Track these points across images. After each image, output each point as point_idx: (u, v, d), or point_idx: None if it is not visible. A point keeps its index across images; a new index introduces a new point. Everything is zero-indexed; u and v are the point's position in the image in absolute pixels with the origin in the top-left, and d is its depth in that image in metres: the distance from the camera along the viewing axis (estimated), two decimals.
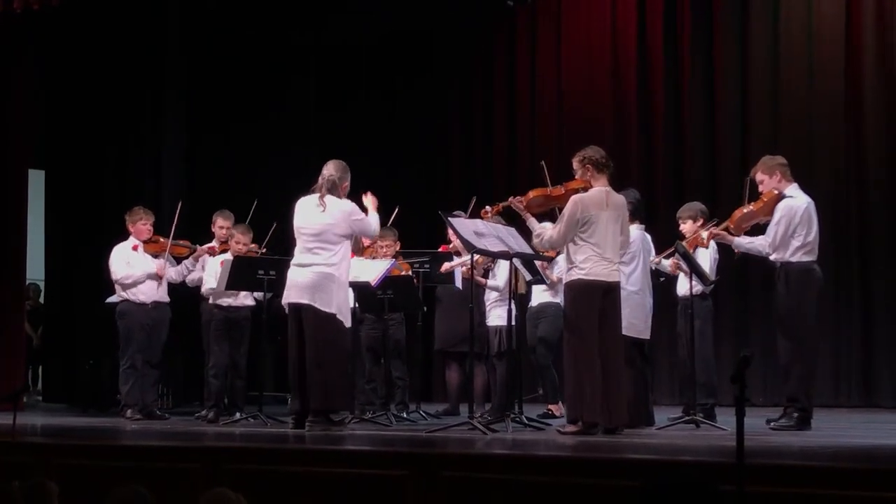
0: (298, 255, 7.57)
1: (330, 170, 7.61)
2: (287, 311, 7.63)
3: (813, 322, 7.56)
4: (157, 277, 9.04)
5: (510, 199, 7.54)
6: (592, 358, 6.96)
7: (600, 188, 7.18)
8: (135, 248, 9.09)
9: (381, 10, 11.95)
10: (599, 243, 7.04)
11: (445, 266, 8.95)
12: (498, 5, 12.19)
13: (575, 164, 7.30)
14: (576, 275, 7.07)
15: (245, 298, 8.93)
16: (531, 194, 7.49)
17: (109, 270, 9.10)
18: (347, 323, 7.59)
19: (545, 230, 7.30)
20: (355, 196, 7.80)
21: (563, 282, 7.38)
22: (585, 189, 7.20)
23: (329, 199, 7.52)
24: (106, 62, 11.60)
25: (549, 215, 7.89)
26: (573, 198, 7.13)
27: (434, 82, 12.67)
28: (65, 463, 6.19)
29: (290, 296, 7.55)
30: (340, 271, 7.51)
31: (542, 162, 8.00)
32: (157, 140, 11.73)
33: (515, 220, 7.73)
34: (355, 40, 12.68)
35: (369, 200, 7.85)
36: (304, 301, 7.45)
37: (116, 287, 9.15)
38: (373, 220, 7.74)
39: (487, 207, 7.74)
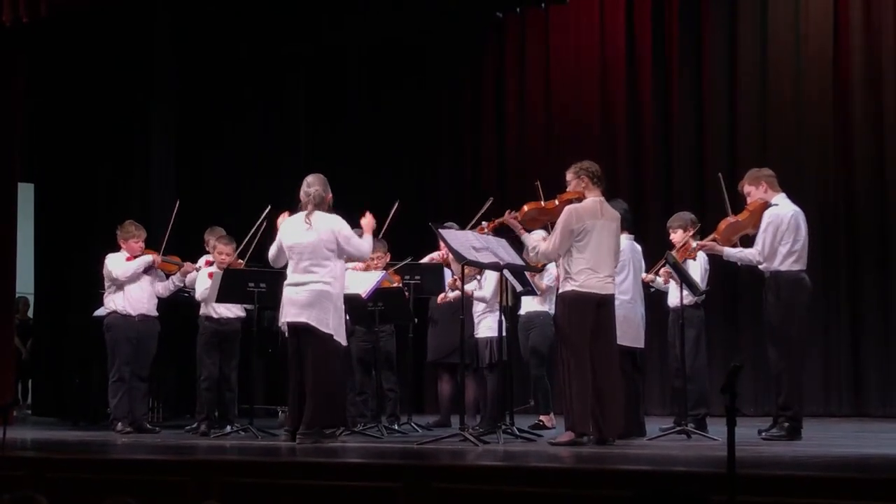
0: (292, 275, 7.52)
1: (314, 185, 7.54)
2: (286, 331, 7.60)
3: (802, 331, 7.57)
4: (152, 265, 9.04)
5: (506, 214, 7.52)
6: (585, 369, 6.96)
7: (594, 198, 7.19)
8: (128, 259, 9.09)
9: (371, 21, 11.95)
10: (594, 254, 7.04)
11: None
12: (487, 15, 12.23)
13: (569, 175, 7.29)
14: (569, 286, 7.07)
15: (236, 310, 8.92)
16: (525, 208, 7.47)
17: (105, 275, 9.07)
18: (343, 343, 7.59)
19: (539, 243, 7.31)
20: (351, 214, 7.80)
21: (557, 292, 7.38)
22: (579, 200, 7.20)
23: (316, 215, 7.47)
24: (95, 74, 11.58)
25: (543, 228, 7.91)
26: (567, 208, 7.12)
27: (424, 92, 12.69)
28: (55, 476, 6.17)
29: (288, 314, 7.51)
30: (336, 289, 7.49)
31: (537, 182, 7.98)
32: (146, 151, 11.71)
33: (508, 233, 7.72)
34: (345, 50, 12.70)
35: (367, 222, 7.81)
36: (303, 320, 7.44)
37: (106, 298, 9.14)
38: (366, 242, 7.68)
39: (484, 223, 7.73)
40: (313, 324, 7.39)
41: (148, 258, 9.05)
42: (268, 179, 11.90)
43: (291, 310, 7.49)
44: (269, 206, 8.71)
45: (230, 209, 10.66)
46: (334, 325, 7.45)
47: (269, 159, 12.33)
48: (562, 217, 7.10)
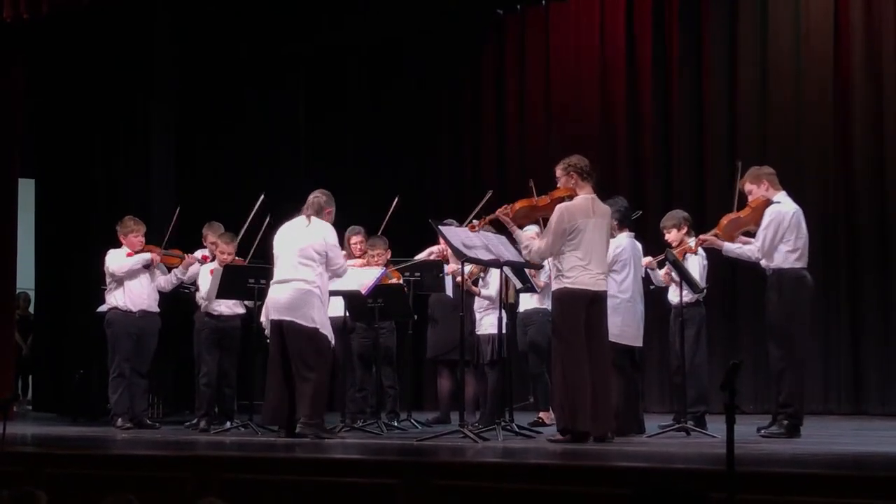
0: (279, 273, 7.65)
1: (316, 194, 7.76)
2: (268, 328, 7.69)
3: (804, 329, 7.58)
4: (151, 263, 9.04)
5: (498, 211, 7.53)
6: (581, 366, 6.96)
7: (586, 196, 7.18)
8: (129, 255, 9.10)
9: (371, 21, 11.97)
10: (586, 252, 7.04)
11: (449, 270, 8.88)
12: (487, 14, 12.24)
13: (558, 173, 7.28)
14: (561, 284, 7.07)
15: (236, 307, 8.93)
16: (517, 205, 7.48)
17: (103, 271, 9.08)
18: (330, 337, 7.65)
19: (532, 242, 7.29)
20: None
21: (551, 289, 7.38)
22: (570, 197, 7.20)
23: (314, 219, 7.66)
24: (95, 71, 11.59)
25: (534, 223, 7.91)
26: (559, 207, 7.12)
27: (424, 92, 12.69)
28: (55, 472, 6.18)
29: (272, 313, 7.64)
30: (320, 288, 7.59)
31: (531, 181, 7.97)
32: (146, 148, 11.71)
33: (505, 231, 7.73)
34: (345, 50, 12.71)
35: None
36: (286, 318, 7.51)
37: (107, 294, 9.15)
38: (345, 263, 7.91)
39: (475, 221, 7.74)
40: (298, 321, 7.46)
41: (146, 256, 9.05)
42: (268, 179, 11.90)
43: (275, 308, 7.60)
44: (263, 195, 8.77)
45: (230, 209, 10.66)
46: (320, 319, 7.54)
47: (269, 159, 12.33)
48: (553, 216, 7.10)
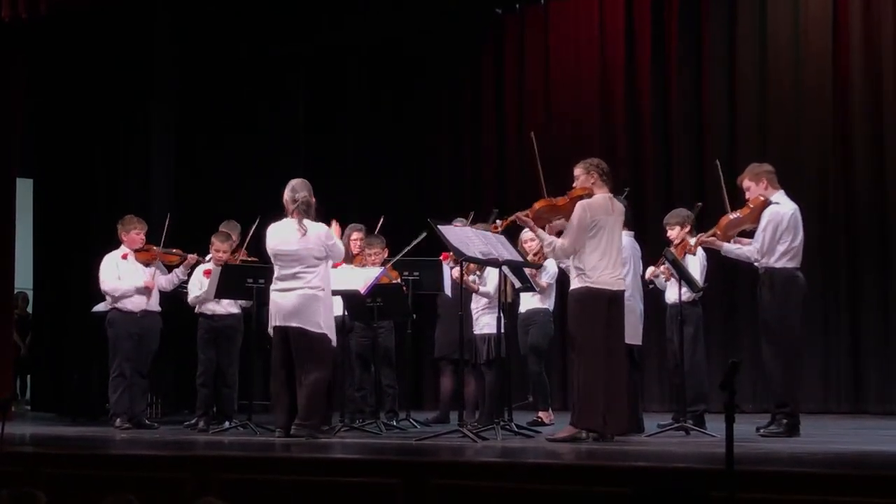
0: (279, 280, 7.53)
1: (300, 191, 7.52)
2: (272, 334, 7.60)
3: (797, 328, 7.57)
4: (146, 291, 9.03)
5: (516, 214, 7.50)
6: (598, 366, 6.95)
7: (604, 195, 7.19)
8: (124, 256, 9.07)
9: (371, 21, 11.98)
10: (606, 250, 7.05)
11: (455, 274, 8.81)
12: (487, 14, 12.25)
13: (578, 171, 7.26)
14: (582, 283, 7.05)
15: (230, 306, 8.90)
16: (536, 206, 7.39)
17: (99, 279, 9.09)
18: (334, 341, 7.61)
19: (555, 240, 7.26)
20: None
21: (553, 290, 7.37)
22: (589, 195, 7.20)
23: (307, 222, 7.49)
24: (95, 71, 11.60)
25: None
26: (580, 203, 7.11)
27: (424, 92, 12.69)
28: (53, 472, 6.18)
29: (276, 319, 7.52)
30: (324, 291, 7.54)
31: (532, 133, 7.95)
32: (145, 149, 11.72)
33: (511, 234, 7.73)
34: (345, 50, 12.72)
35: (334, 229, 7.85)
36: (293, 324, 7.44)
37: (105, 295, 9.15)
38: (339, 246, 7.74)
39: (497, 221, 7.73)
40: (305, 326, 7.41)
41: (140, 284, 8.99)
42: (267, 179, 11.87)
43: (280, 314, 7.50)
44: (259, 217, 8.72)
45: (229, 209, 10.66)
46: (327, 324, 7.49)
47: (268, 159, 12.32)
48: (575, 213, 7.08)
